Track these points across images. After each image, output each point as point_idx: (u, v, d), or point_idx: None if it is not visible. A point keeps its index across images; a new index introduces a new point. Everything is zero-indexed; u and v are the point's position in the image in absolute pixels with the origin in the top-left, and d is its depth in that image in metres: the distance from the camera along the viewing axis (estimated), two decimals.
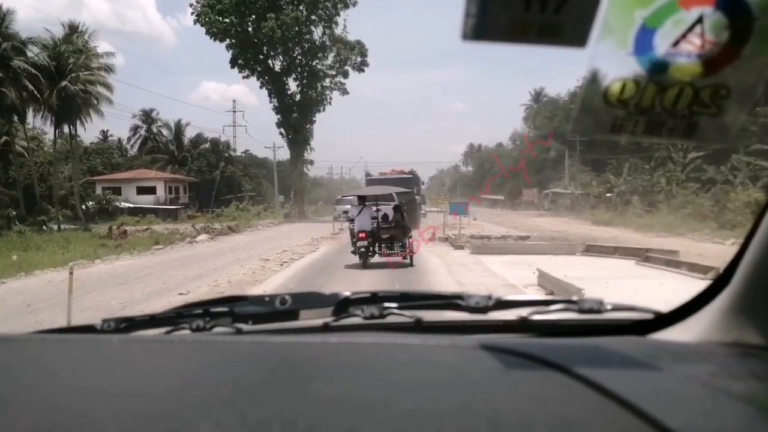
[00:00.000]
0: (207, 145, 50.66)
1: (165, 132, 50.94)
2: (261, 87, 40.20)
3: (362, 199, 12.40)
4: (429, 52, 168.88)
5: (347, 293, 1.23)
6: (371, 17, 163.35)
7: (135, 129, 50.96)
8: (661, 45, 0.62)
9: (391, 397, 0.65)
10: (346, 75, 41.44)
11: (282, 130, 43.70)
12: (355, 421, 0.59)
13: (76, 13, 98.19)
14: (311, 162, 44.05)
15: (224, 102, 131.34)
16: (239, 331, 1.14)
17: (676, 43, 0.62)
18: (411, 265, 11.83)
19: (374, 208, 12.29)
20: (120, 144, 51.67)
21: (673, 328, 0.98)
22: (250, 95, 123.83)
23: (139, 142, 51.35)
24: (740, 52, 0.61)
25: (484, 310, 1.14)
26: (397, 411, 0.62)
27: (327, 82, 41.61)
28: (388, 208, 13.04)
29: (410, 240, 12.04)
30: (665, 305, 1.06)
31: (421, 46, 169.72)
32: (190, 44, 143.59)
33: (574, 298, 1.15)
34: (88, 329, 1.22)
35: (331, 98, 41.80)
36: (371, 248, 11.87)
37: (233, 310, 1.21)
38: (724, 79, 0.63)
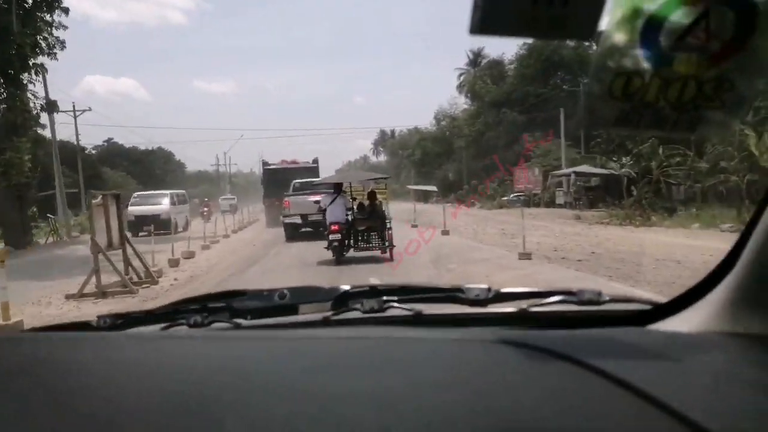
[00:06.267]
0: None
1: None
2: None
3: (338, 187, 11.99)
4: (328, 46, 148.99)
5: (346, 287, 1.23)
6: (270, 11, 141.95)
7: None
8: (666, 38, 0.64)
9: (412, 392, 0.69)
10: None
11: None
12: (379, 416, 0.63)
13: None
14: (50, 105, 18.82)
15: (112, 96, 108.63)
16: (238, 326, 1.14)
17: (681, 37, 0.65)
18: (391, 259, 11.20)
19: (349, 197, 12.57)
20: None
21: (672, 319, 1.01)
22: (141, 89, 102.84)
23: None
24: (745, 45, 0.65)
25: (484, 302, 1.16)
26: (419, 405, 0.65)
27: None
28: (362, 197, 12.89)
29: (389, 231, 11.48)
30: None
31: (321, 41, 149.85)
32: (69, 35, 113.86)
33: (573, 289, 1.17)
34: (84, 326, 1.20)
35: None
36: (345, 242, 11.44)
37: (231, 304, 1.19)
38: (727, 72, 0.67)
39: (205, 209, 30.37)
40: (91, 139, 79.00)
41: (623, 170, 25.63)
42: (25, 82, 18.30)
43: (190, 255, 14.24)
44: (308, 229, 17.10)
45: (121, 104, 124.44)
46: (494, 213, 29.23)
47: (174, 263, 12.71)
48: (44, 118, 20.09)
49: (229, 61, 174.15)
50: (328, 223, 11.35)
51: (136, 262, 10.37)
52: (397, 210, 17.74)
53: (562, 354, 0.77)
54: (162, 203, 24.83)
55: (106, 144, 55.58)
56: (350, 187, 13.63)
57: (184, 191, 29.62)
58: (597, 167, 29.19)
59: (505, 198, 35.58)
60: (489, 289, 1.17)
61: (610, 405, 0.65)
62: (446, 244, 14.23)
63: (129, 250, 10.29)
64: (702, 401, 0.65)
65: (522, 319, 1.14)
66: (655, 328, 1.01)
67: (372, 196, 12.27)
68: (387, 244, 11.40)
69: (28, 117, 19.40)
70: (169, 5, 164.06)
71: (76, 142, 34.10)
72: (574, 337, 0.93)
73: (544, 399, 0.67)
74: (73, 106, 32.82)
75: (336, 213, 11.29)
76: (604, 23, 0.61)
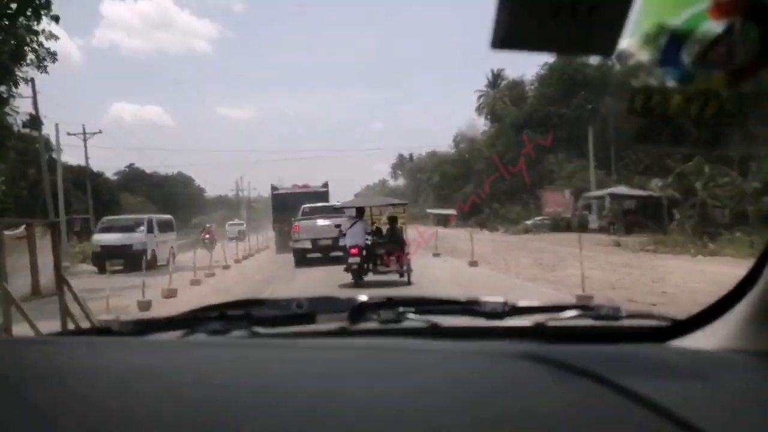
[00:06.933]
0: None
1: None
2: None
3: (360, 212, 12.46)
4: (348, 73, 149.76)
5: (363, 298, 1.24)
6: (291, 38, 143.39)
7: None
8: (689, 55, 0.65)
9: (428, 403, 0.69)
10: None
11: None
12: (395, 426, 0.64)
13: None
14: (34, 121, 17.09)
15: (139, 124, 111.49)
16: (256, 335, 1.16)
17: (704, 53, 0.65)
18: (408, 283, 11.38)
19: (370, 221, 13.22)
20: None
21: (691, 336, 1.00)
22: (165, 115, 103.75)
23: None
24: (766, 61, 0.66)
25: (500, 315, 1.16)
26: (435, 417, 0.66)
27: None
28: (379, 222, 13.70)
29: (407, 255, 11.83)
30: None
31: (340, 67, 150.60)
32: (98, 64, 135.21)
33: (591, 304, 1.24)
34: (105, 331, 1.28)
35: None
36: (364, 265, 11.72)
37: (250, 313, 1.21)
38: (750, 88, 0.66)
39: (207, 236, 27.03)
40: (116, 164, 79.84)
41: (667, 192, 23.38)
42: (5, 96, 15.83)
43: (170, 294, 11.76)
44: (318, 254, 16.61)
45: (146, 131, 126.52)
46: (520, 238, 27.26)
47: (145, 306, 10.13)
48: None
49: (250, 88, 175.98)
50: (347, 246, 11.73)
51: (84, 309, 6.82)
52: (416, 236, 16.06)
53: (582, 369, 0.77)
54: (136, 231, 19.89)
55: (127, 169, 56.79)
56: (370, 211, 13.89)
57: (169, 216, 24.26)
58: (633, 188, 26.79)
59: (530, 222, 33.61)
60: (505, 303, 1.18)
61: (629, 422, 0.66)
62: (477, 279, 12.23)
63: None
64: (722, 420, 0.66)
65: (539, 333, 1.14)
66: (674, 344, 1.00)
67: (391, 220, 12.88)
68: (405, 268, 11.76)
69: (7, 134, 17.16)
70: (195, 35, 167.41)
71: (86, 165, 33.01)
72: (594, 352, 0.92)
73: (563, 415, 0.67)
74: (83, 129, 31.88)
75: (356, 236, 11.65)
76: (626, 39, 0.62)
